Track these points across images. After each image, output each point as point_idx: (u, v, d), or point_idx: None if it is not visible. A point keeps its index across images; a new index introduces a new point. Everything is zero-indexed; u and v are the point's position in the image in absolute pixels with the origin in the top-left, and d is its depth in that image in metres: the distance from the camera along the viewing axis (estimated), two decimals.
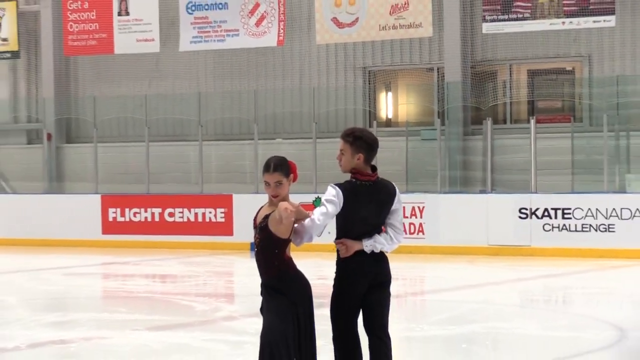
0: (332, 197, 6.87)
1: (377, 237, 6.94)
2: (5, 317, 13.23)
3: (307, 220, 6.84)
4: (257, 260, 7.00)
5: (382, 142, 23.00)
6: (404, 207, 21.70)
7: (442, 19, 23.13)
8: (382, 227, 7.07)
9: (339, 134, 7.27)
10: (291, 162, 6.95)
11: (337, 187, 6.90)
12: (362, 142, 6.98)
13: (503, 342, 11.52)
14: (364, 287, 6.99)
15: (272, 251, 6.91)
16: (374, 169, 7.06)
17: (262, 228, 6.91)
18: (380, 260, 7.04)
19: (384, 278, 7.07)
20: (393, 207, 7.04)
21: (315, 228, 6.83)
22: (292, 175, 6.93)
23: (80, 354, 10.74)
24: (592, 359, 10.32)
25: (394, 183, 7.19)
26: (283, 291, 6.89)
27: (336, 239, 7.00)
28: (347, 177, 7.04)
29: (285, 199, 6.89)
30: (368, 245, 6.91)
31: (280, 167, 6.90)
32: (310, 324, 6.94)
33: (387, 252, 7.05)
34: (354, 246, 6.91)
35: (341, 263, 7.01)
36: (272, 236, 6.86)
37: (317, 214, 6.81)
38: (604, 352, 10.65)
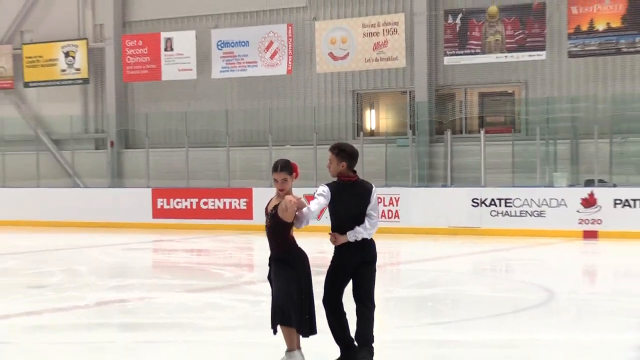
0: (323, 192, 6.92)
1: (357, 228, 6.93)
2: (78, 282, 13.23)
3: (305, 209, 6.84)
4: (268, 239, 6.99)
5: (367, 148, 23.00)
6: (384, 198, 21.73)
7: (413, 54, 23.12)
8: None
9: (334, 142, 7.28)
10: (294, 163, 6.93)
11: (326, 185, 6.95)
12: (345, 153, 7.00)
13: (460, 302, 11.50)
14: (353, 267, 6.99)
15: (279, 232, 6.89)
16: (354, 172, 7.07)
17: (272, 215, 6.89)
18: (366, 245, 7.03)
19: (370, 258, 7.06)
20: (372, 201, 7.03)
21: (311, 215, 6.85)
22: (294, 174, 6.90)
23: (135, 311, 10.71)
24: (528, 314, 10.30)
25: (372, 183, 7.22)
26: (289, 263, 6.88)
27: (331, 227, 7.01)
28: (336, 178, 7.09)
29: (289, 192, 6.88)
30: (351, 236, 6.93)
31: (285, 167, 6.87)
32: (310, 289, 6.92)
33: (370, 237, 7.04)
34: (341, 239, 6.94)
35: (337, 247, 7.04)
36: (279, 221, 6.84)
37: (312, 204, 6.85)
38: (538, 309, 10.63)
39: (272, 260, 6.98)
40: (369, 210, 7.03)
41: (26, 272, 14.56)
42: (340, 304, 7.05)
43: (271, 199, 6.99)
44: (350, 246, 6.97)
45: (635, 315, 10.26)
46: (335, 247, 7.04)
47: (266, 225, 6.98)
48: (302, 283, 6.86)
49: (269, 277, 7.04)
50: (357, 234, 6.94)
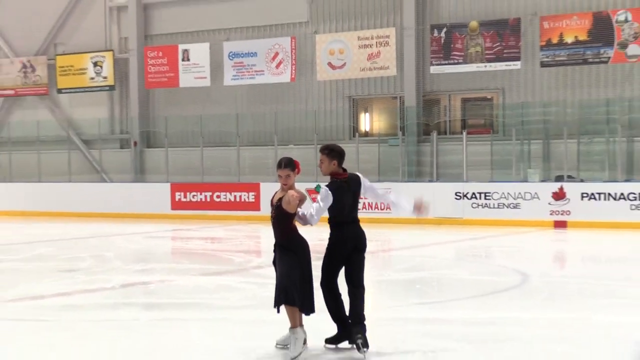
0: (325, 196, 6.93)
1: (392, 201, 7.45)
2: (105, 266, 13.21)
3: (308, 214, 6.89)
4: (273, 228, 6.97)
5: (362, 147, 22.94)
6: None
7: (403, 63, 23.07)
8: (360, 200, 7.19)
9: (332, 142, 7.29)
10: (296, 161, 6.93)
11: (328, 189, 6.95)
12: (335, 153, 7.02)
13: (444, 284, 11.48)
14: (347, 252, 7.00)
15: (283, 222, 6.88)
16: (344, 170, 7.09)
17: (277, 206, 6.88)
18: (359, 234, 7.05)
19: (361, 246, 7.07)
20: (365, 187, 7.12)
21: (313, 220, 6.91)
22: (296, 170, 6.91)
23: (157, 291, 10.72)
24: (505, 295, 10.29)
25: (359, 174, 7.23)
26: (291, 249, 6.87)
27: (329, 219, 7.01)
28: (328, 178, 7.09)
29: (292, 186, 6.87)
30: (406, 203, 7.51)
31: (288, 164, 6.87)
32: (310, 272, 6.90)
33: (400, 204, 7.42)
34: (425, 208, 7.62)
35: (332, 234, 7.05)
36: (283, 212, 6.83)
37: (315, 209, 6.89)
38: (514, 290, 10.62)
39: (277, 247, 6.96)
40: (370, 191, 7.17)
41: (58, 257, 14.54)
42: (336, 286, 7.06)
43: (276, 192, 6.97)
44: (345, 233, 6.97)
45: (602, 295, 10.25)
46: (331, 235, 7.03)
47: (271, 216, 6.96)
48: (304, 268, 6.84)
49: (274, 262, 7.03)
50: (402, 202, 7.45)
